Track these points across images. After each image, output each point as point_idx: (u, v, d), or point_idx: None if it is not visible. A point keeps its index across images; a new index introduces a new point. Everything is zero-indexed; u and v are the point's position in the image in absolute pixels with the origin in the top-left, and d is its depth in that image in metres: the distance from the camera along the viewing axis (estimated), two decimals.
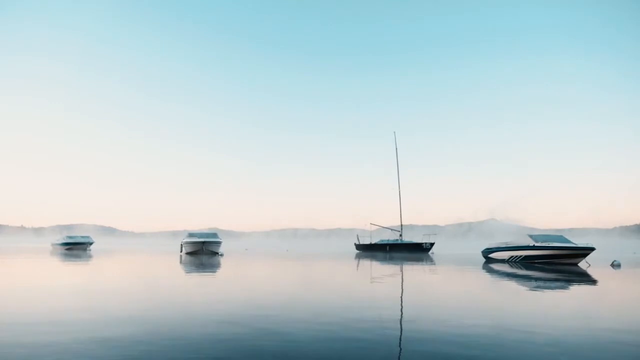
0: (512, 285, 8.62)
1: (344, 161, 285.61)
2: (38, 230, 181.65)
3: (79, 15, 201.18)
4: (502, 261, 19.32)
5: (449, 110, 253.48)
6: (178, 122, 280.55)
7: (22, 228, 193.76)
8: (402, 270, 12.61)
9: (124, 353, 2.91)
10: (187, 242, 26.81)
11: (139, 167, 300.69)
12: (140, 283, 8.37)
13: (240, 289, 7.43)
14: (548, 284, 8.82)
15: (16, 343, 3.16)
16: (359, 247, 41.63)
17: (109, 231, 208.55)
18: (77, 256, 21.31)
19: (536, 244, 18.68)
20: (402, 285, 8.33)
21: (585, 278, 10.53)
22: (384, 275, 10.88)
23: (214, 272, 11.40)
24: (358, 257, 24.20)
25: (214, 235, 28.04)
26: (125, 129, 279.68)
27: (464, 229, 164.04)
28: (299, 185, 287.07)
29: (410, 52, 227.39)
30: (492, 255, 21.55)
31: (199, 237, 26.91)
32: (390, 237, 40.52)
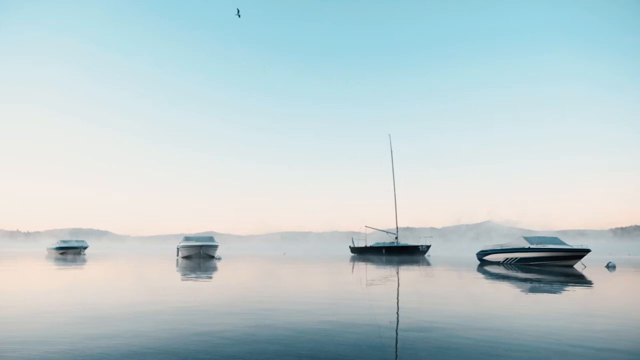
0: (507, 287, 8.62)
1: (343, 163, 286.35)
2: (33, 235, 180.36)
3: (79, 20, 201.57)
4: (497, 263, 19.36)
5: (447, 111, 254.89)
6: (177, 124, 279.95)
7: (17, 232, 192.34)
8: (397, 274, 12.60)
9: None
10: (183, 246, 26.73)
11: (135, 171, 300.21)
12: (133, 288, 8.30)
13: (237, 291, 7.38)
14: (543, 286, 8.83)
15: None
16: (354, 250, 41.58)
17: (105, 235, 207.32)
18: (71, 260, 21.14)
19: (531, 246, 18.74)
20: (397, 289, 8.31)
21: (581, 280, 10.55)
22: (378, 279, 10.87)
23: (210, 276, 11.33)
24: (353, 260, 24.15)
25: (211, 239, 28.00)
26: (123, 133, 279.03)
27: (462, 231, 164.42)
28: (297, 187, 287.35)
29: (410, 52, 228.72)
30: (487, 257, 21.62)
31: (195, 241, 26.85)
32: (387, 239, 40.50)
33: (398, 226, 40.19)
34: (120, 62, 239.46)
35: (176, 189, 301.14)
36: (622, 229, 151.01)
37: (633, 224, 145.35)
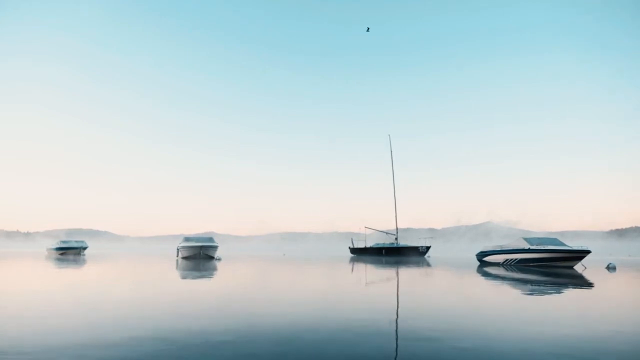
0: (507, 289, 8.61)
1: (343, 163, 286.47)
2: (32, 235, 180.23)
3: (79, 19, 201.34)
4: (497, 264, 19.33)
5: (447, 111, 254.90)
6: (177, 124, 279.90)
7: (17, 233, 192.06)
8: (397, 275, 12.58)
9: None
10: (183, 247, 26.71)
11: (135, 171, 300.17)
12: (133, 289, 8.29)
13: (236, 292, 7.38)
14: (543, 287, 8.81)
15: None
16: (354, 251, 41.56)
17: (105, 235, 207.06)
18: (72, 261, 21.11)
19: (531, 247, 18.71)
20: (397, 290, 8.31)
21: (581, 281, 10.54)
22: (377, 280, 10.86)
23: (210, 277, 11.32)
24: (352, 261, 24.12)
25: (210, 239, 27.98)
26: (123, 133, 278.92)
27: (462, 232, 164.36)
28: (297, 187, 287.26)
29: (410, 52, 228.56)
30: (487, 258, 21.60)
31: (195, 242, 26.85)
32: (386, 240, 40.43)
33: (398, 227, 40.15)
34: (120, 62, 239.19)
35: (176, 189, 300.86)
36: (621, 229, 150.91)
37: (633, 225, 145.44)
